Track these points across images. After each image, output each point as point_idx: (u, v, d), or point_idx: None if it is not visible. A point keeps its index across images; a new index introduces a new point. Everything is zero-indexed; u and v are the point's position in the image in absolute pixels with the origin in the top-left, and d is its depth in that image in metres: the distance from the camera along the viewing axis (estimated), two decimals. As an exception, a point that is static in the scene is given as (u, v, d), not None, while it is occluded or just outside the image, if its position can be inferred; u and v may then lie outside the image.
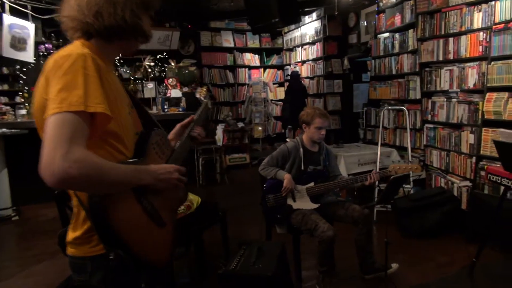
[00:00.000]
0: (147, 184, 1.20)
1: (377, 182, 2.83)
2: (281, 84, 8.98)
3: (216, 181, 6.33)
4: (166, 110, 6.00)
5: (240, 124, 7.63)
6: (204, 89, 1.72)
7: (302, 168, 2.95)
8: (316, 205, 2.90)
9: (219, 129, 7.25)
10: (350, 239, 2.92)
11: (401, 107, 4.79)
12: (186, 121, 1.66)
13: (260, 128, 8.14)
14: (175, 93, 6.40)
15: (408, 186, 4.17)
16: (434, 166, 4.53)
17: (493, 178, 3.01)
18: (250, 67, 8.64)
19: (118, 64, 7.24)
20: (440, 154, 4.42)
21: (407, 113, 4.60)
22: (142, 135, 1.31)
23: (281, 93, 8.79)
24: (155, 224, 1.27)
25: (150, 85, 7.00)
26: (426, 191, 4.16)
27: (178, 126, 1.66)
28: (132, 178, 1.15)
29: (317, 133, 2.92)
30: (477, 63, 3.87)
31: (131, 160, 1.23)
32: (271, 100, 8.69)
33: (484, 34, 3.78)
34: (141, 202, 1.22)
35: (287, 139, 7.94)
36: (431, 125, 4.55)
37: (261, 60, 8.80)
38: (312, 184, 2.93)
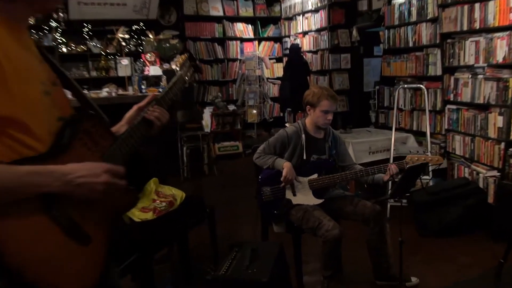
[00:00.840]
0: (52, 192, 1.05)
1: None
2: (279, 60, 8.94)
3: (204, 173, 6.33)
4: (143, 90, 5.96)
5: (231, 107, 7.60)
6: (183, 57, 1.55)
7: (305, 157, 2.95)
8: (319, 200, 2.91)
9: (207, 113, 7.23)
10: (359, 239, 2.94)
11: (419, 85, 4.79)
12: (145, 100, 1.47)
13: (254, 111, 8.11)
14: (154, 70, 6.35)
15: (426, 177, 4.19)
16: (456, 153, 4.55)
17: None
18: (243, 40, 8.57)
19: (87, 36, 7.17)
20: (463, 139, 4.44)
21: (425, 92, 4.60)
22: (66, 122, 1.17)
23: (279, 70, 8.75)
24: (73, 241, 1.12)
25: (125, 61, 6.93)
26: (447, 183, 4.19)
27: (134, 107, 1.47)
28: (20, 186, 1.00)
29: (322, 117, 2.91)
30: (507, 33, 3.86)
31: (34, 157, 1.06)
32: (268, 78, 8.65)
33: (516, -1, 3.77)
34: (49, 212, 1.06)
35: (286, 124, 7.94)
36: (454, 106, 4.56)
37: (255, 31, 8.73)
38: (315, 175, 2.94)
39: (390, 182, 4.29)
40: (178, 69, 1.51)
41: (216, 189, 5.59)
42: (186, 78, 1.54)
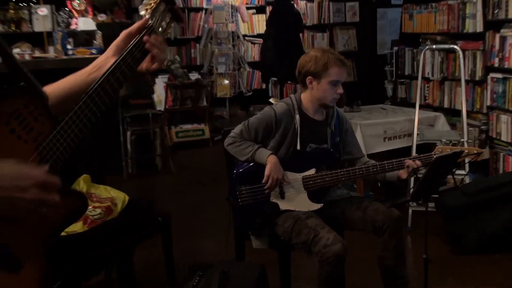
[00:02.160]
0: None
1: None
2: (260, 10, 8.91)
3: (156, 168, 6.31)
4: (70, 52, 5.89)
5: (194, 76, 7.56)
6: None
7: (298, 147, 2.94)
8: (317, 205, 2.92)
9: (159, 84, 7.16)
10: (370, 256, 2.97)
11: (452, 46, 4.82)
12: (136, 25, 1.42)
13: (226, 81, 8.08)
14: (84, 24, 6.26)
15: (461, 171, 4.24)
16: (502, 139, 4.61)
17: None
18: (210, -18, 8.53)
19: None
20: (511, 120, 4.50)
21: (461, 56, 4.63)
22: None
23: (260, 24, 8.72)
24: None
25: (43, 10, 6.83)
26: (490, 180, 4.24)
27: (122, 34, 1.44)
28: None
29: (331, 90, 2.88)
30: None
31: None
32: (245, 35, 8.62)
33: None
34: None
35: (271, 99, 7.93)
36: (499, 75, 4.61)
37: (227, -31, 8.69)
38: (312, 171, 2.94)
39: (412, 180, 4.35)
40: (148, 16, 1.41)
41: (173, 190, 5.60)
42: (160, 30, 1.44)
